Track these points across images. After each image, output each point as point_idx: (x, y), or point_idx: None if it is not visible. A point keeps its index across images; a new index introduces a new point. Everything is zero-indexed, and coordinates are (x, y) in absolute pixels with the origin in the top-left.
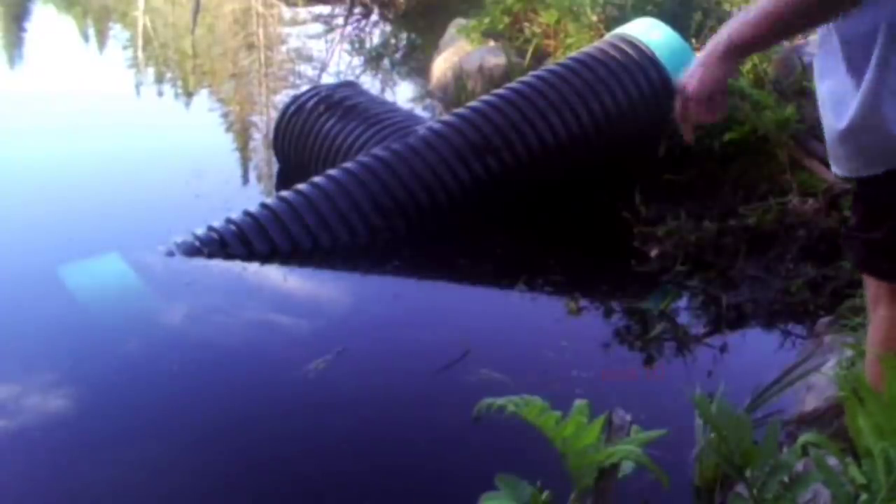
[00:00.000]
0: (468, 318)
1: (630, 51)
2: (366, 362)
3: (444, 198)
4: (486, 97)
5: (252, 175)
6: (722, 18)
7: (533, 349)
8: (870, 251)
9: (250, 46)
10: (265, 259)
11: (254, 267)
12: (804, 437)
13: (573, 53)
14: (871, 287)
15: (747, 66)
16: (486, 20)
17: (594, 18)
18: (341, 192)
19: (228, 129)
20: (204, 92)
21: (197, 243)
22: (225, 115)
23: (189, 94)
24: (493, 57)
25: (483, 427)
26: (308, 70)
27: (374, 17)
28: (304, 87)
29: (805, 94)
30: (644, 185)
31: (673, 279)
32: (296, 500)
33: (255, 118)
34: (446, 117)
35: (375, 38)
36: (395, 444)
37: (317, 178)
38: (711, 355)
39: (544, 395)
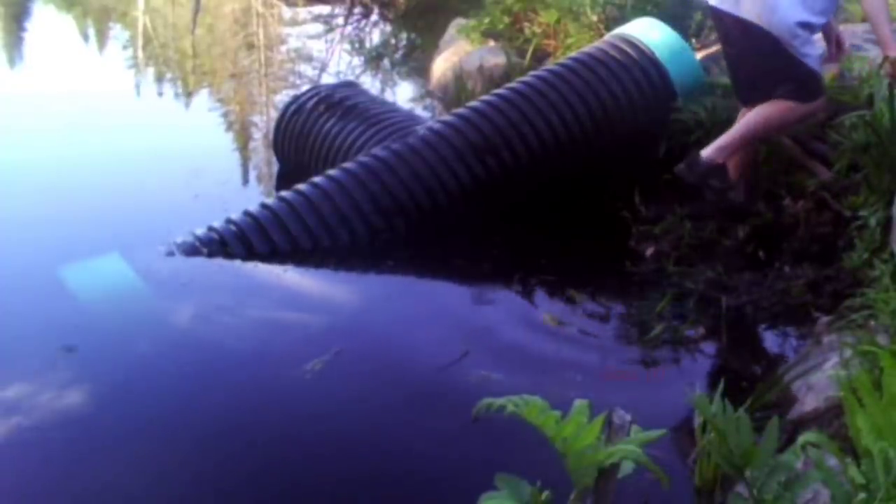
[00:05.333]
0: (467, 318)
1: (630, 51)
2: (364, 362)
3: (444, 198)
4: (486, 97)
5: (252, 175)
6: None
7: (532, 349)
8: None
9: (250, 46)
10: (265, 259)
11: (254, 267)
12: (804, 437)
13: (573, 53)
14: None
15: None
16: (486, 20)
17: (594, 18)
18: (341, 192)
19: (228, 129)
20: (204, 92)
21: (197, 243)
22: (225, 115)
23: (189, 94)
24: (493, 57)
25: (483, 427)
26: (308, 70)
27: (374, 17)
28: (304, 87)
29: None
30: (644, 185)
31: (672, 279)
32: (294, 500)
33: (255, 118)
34: (446, 117)
35: (375, 38)
36: (394, 444)
37: (317, 178)
38: (711, 355)
39: (544, 395)
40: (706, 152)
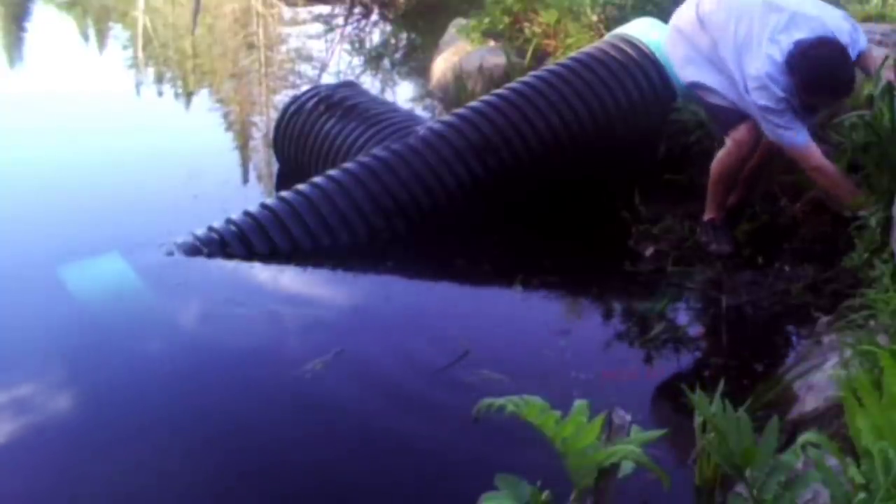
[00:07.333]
0: (467, 319)
1: (630, 51)
2: (364, 363)
3: (444, 198)
4: (486, 97)
5: (252, 175)
6: None
7: (532, 349)
8: None
9: (250, 46)
10: (265, 259)
11: (253, 267)
12: (804, 437)
13: (573, 53)
14: None
15: None
16: (486, 20)
17: (594, 18)
18: (341, 192)
19: (228, 129)
20: (204, 92)
21: (197, 243)
22: (225, 115)
23: (189, 94)
24: (493, 57)
25: (483, 427)
26: (308, 70)
27: (374, 17)
28: (304, 87)
29: None
30: (644, 185)
31: (672, 280)
32: (294, 499)
33: (255, 118)
34: (446, 117)
35: (375, 38)
36: (394, 444)
37: (317, 179)
38: (711, 355)
39: (544, 395)
40: (705, 216)
